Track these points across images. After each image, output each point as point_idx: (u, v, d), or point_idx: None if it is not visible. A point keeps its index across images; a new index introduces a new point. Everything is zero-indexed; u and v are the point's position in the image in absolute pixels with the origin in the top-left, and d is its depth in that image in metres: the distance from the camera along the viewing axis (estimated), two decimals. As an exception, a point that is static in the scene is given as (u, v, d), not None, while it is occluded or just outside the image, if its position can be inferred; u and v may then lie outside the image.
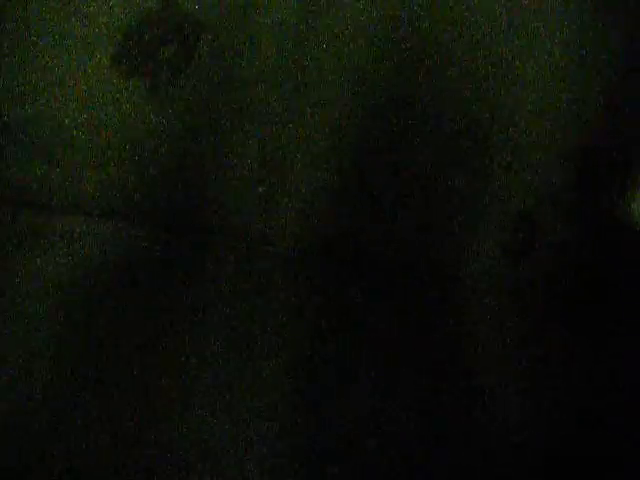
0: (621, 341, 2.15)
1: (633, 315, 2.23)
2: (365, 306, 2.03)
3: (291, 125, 2.08)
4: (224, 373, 1.65)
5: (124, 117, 2.05)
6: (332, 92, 2.04)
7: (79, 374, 1.55)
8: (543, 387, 1.84)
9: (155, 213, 2.20)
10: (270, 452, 1.46)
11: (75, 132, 2.06)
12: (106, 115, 2.05)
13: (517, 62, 2.00)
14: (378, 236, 2.23)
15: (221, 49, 2.00)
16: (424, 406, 1.68)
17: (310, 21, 1.97)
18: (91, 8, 1.94)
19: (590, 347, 2.07)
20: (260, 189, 2.16)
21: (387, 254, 2.26)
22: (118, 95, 2.03)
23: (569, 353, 2.01)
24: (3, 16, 1.95)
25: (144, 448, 1.40)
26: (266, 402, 1.60)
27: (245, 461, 1.42)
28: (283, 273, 2.14)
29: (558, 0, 1.94)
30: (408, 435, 1.58)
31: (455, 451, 1.56)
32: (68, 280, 1.85)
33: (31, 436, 1.35)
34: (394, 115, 2.06)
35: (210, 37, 1.99)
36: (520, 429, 1.68)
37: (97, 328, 1.70)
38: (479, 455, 1.56)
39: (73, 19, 1.94)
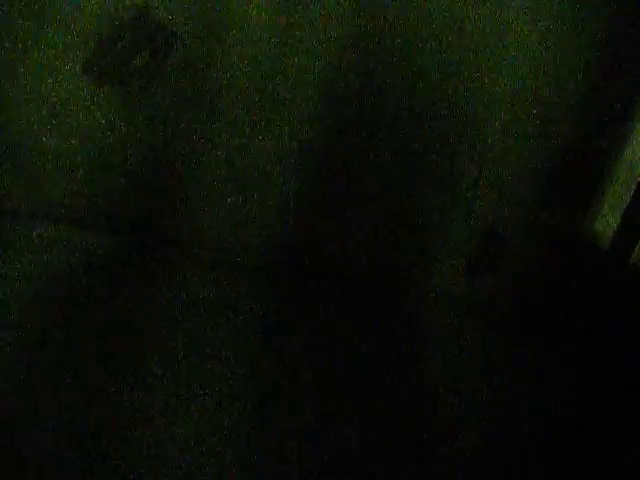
0: (586, 352, 2.17)
1: (597, 328, 2.25)
2: (327, 315, 2.04)
3: (260, 137, 2.09)
4: (186, 381, 1.65)
5: (94, 124, 2.05)
6: (301, 107, 2.05)
7: (41, 382, 1.54)
8: (506, 398, 1.85)
9: (123, 221, 2.19)
10: (226, 461, 1.46)
11: (44, 138, 2.06)
12: (76, 122, 2.05)
13: (486, 80, 2.03)
14: (342, 248, 2.24)
15: (193, 60, 2.01)
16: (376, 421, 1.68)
17: (281, 36, 1.99)
18: (64, 15, 1.94)
19: (553, 359, 2.09)
20: (228, 200, 2.16)
21: (350, 266, 2.26)
22: (89, 102, 2.03)
23: (533, 365, 2.03)
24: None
25: (108, 450, 1.39)
26: (229, 412, 1.59)
27: (202, 466, 1.42)
28: (247, 283, 2.14)
29: (527, 21, 1.98)
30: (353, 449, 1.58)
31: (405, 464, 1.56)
32: (34, 287, 1.84)
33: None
34: (363, 130, 2.08)
35: (182, 48, 2.00)
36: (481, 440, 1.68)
37: (61, 335, 1.70)
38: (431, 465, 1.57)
39: (45, 25, 1.94)
